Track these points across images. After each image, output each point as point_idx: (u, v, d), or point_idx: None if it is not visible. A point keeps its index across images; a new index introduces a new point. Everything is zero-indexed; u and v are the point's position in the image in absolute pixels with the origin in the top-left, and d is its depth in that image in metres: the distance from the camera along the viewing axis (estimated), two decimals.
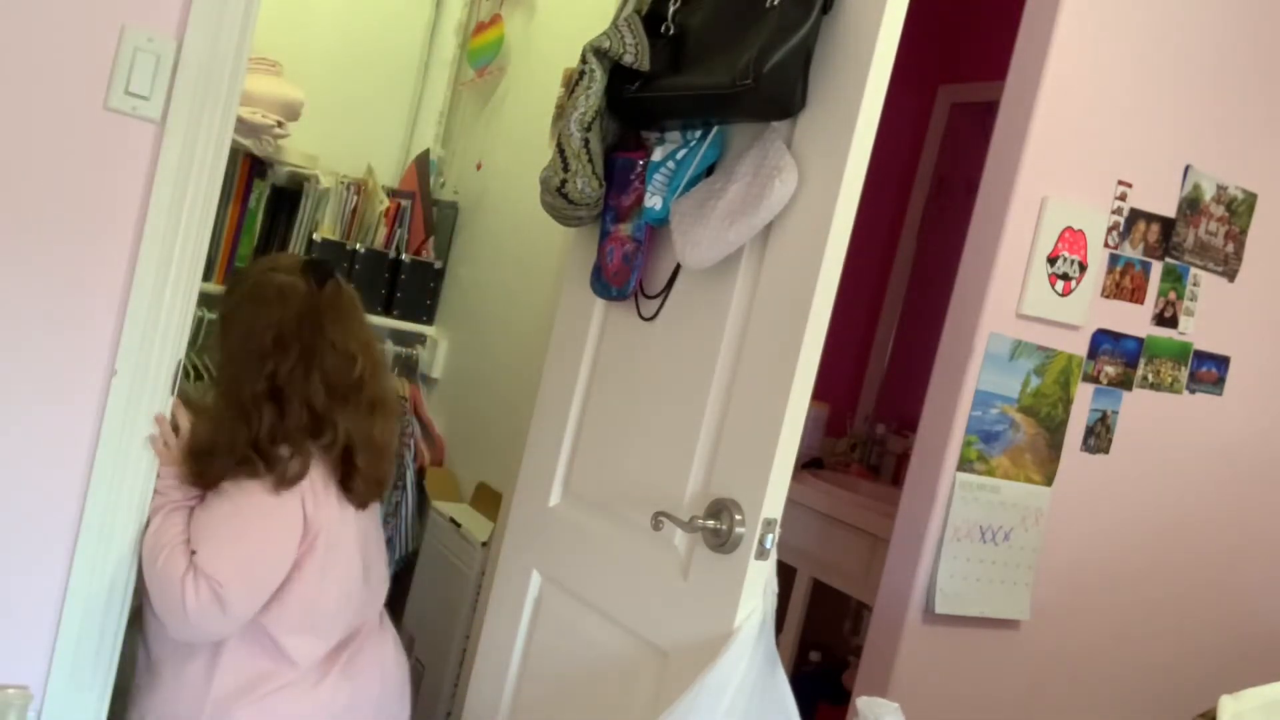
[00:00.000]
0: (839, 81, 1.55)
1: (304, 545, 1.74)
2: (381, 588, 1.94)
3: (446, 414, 3.10)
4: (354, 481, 1.80)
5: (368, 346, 1.87)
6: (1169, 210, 2.32)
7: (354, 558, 1.83)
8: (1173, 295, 2.36)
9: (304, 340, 1.78)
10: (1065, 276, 2.19)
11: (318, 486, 1.75)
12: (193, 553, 1.66)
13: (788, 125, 1.62)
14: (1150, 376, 2.37)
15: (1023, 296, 2.15)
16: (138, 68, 1.52)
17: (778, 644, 1.58)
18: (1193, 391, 2.45)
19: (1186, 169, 2.32)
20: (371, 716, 1.85)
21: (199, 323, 2.68)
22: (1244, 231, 2.45)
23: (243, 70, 1.60)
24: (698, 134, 1.75)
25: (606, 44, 1.75)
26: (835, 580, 2.86)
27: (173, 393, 1.64)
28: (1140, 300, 2.32)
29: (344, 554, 1.80)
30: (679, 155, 1.75)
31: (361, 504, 1.84)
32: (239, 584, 1.67)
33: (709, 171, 1.74)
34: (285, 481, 1.72)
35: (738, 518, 1.54)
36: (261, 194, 2.91)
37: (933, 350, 2.22)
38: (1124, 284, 2.28)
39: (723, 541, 1.55)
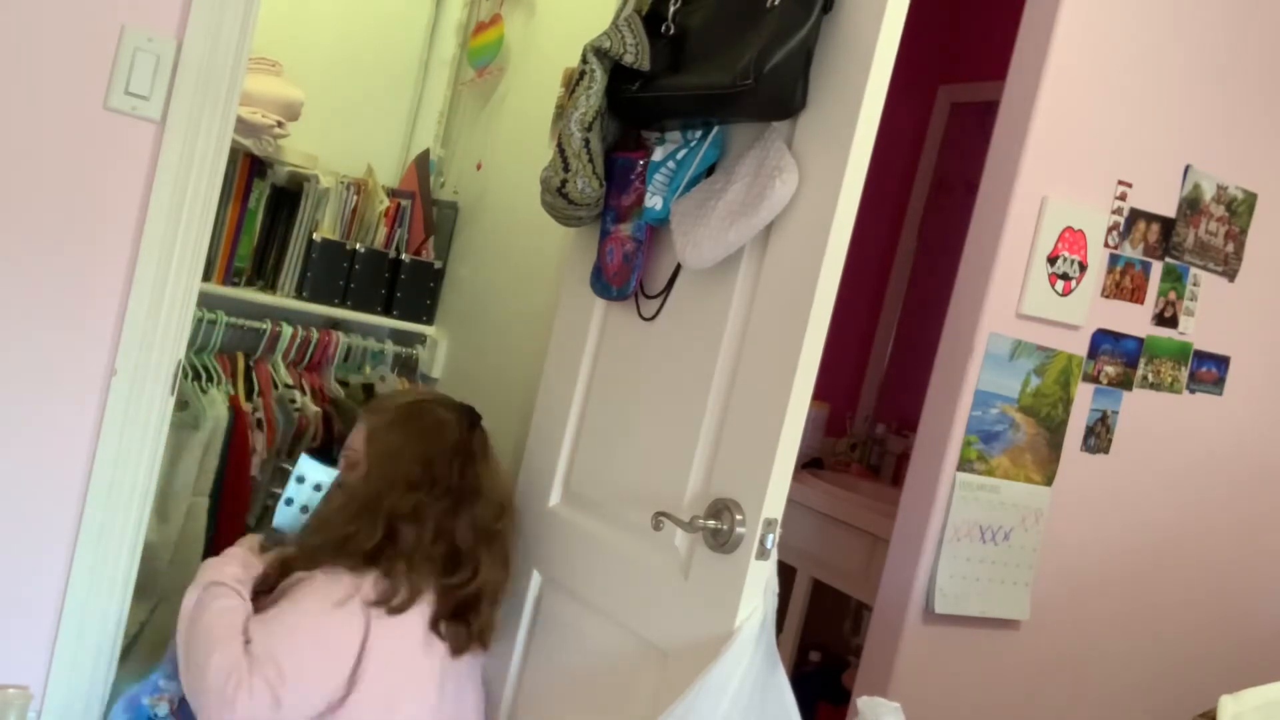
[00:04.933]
0: (839, 81, 1.55)
1: (356, 666, 1.67)
2: None
3: None
4: (470, 626, 1.77)
5: (509, 497, 1.90)
6: (1169, 210, 2.32)
7: (427, 698, 1.74)
8: (1173, 295, 2.36)
9: (455, 479, 1.81)
10: (1065, 276, 2.19)
11: (400, 618, 1.71)
12: (248, 645, 1.64)
13: (788, 125, 1.62)
14: (1150, 376, 2.37)
15: (1023, 296, 2.15)
16: (137, 67, 1.52)
17: (778, 644, 1.58)
18: (1193, 391, 2.45)
19: (1186, 169, 2.32)
20: None
21: (198, 323, 2.68)
22: (1244, 231, 2.45)
23: (243, 70, 1.61)
24: (698, 134, 1.75)
25: (607, 44, 1.75)
26: (835, 580, 2.86)
27: (172, 393, 1.64)
28: (1140, 300, 2.32)
29: (415, 691, 1.73)
30: (679, 155, 1.75)
31: (459, 650, 1.78)
32: (299, 685, 1.62)
33: (709, 171, 1.74)
34: (391, 608, 1.69)
35: (738, 518, 1.54)
36: (261, 194, 2.90)
37: (933, 350, 2.22)
38: (1124, 284, 2.29)
39: (723, 541, 1.55)
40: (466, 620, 1.77)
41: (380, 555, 1.72)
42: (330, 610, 1.67)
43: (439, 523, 1.76)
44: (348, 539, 1.72)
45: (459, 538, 1.77)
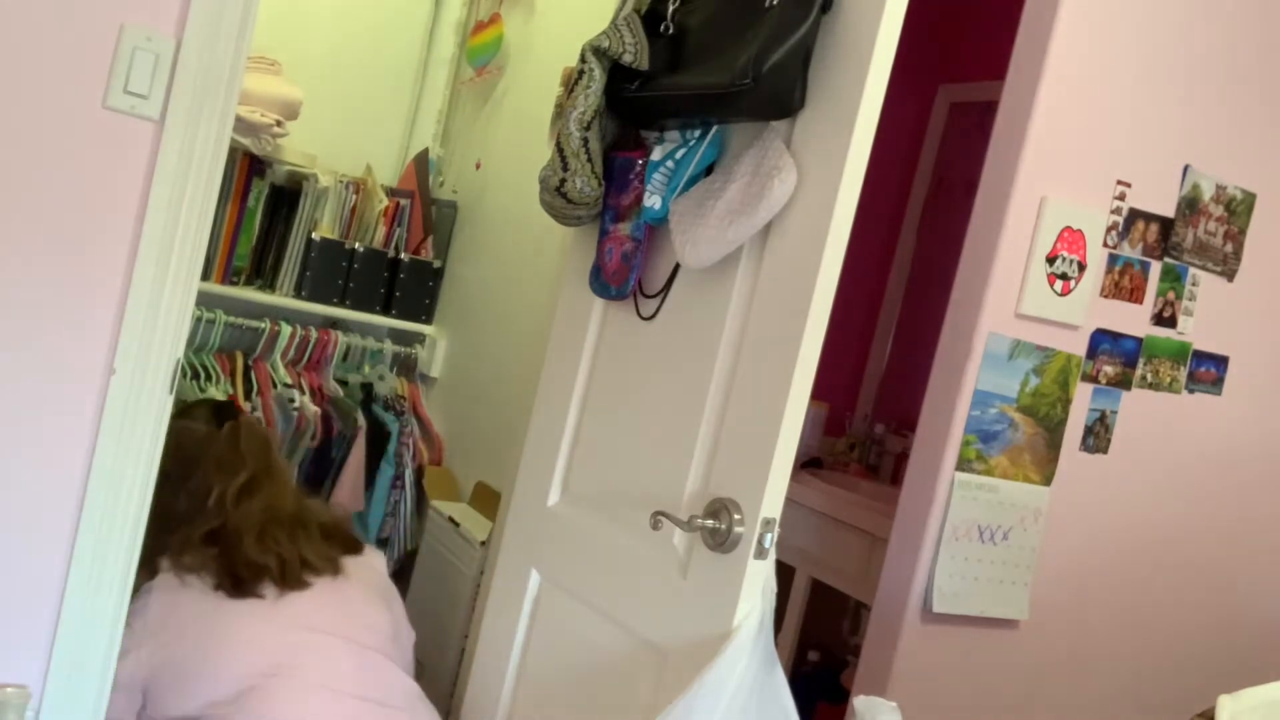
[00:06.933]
0: (838, 81, 1.55)
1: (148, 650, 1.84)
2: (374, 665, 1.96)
3: (445, 413, 3.10)
4: (235, 569, 1.92)
5: (234, 474, 2.01)
6: (1168, 210, 2.32)
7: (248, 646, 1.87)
8: (1171, 295, 2.36)
9: (180, 474, 1.93)
10: (1064, 276, 2.19)
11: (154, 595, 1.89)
12: None
13: (787, 125, 1.62)
14: (1149, 376, 2.37)
15: (1021, 296, 2.15)
16: (136, 66, 1.51)
17: (776, 643, 1.58)
18: (1191, 391, 2.45)
19: (1185, 168, 2.32)
20: None
21: (197, 322, 2.68)
22: (1243, 231, 2.45)
23: (242, 69, 1.60)
24: (697, 133, 1.75)
25: (606, 43, 1.75)
26: (834, 580, 2.86)
27: (171, 392, 1.64)
28: (1139, 300, 2.32)
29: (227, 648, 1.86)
30: (678, 155, 1.75)
31: (259, 593, 1.92)
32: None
33: (708, 171, 1.74)
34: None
35: (736, 517, 1.54)
36: (260, 193, 2.90)
37: (932, 350, 2.22)
38: (1123, 284, 2.29)
39: (721, 541, 1.55)
40: (232, 571, 1.91)
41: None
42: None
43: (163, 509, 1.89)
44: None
45: (176, 513, 1.92)
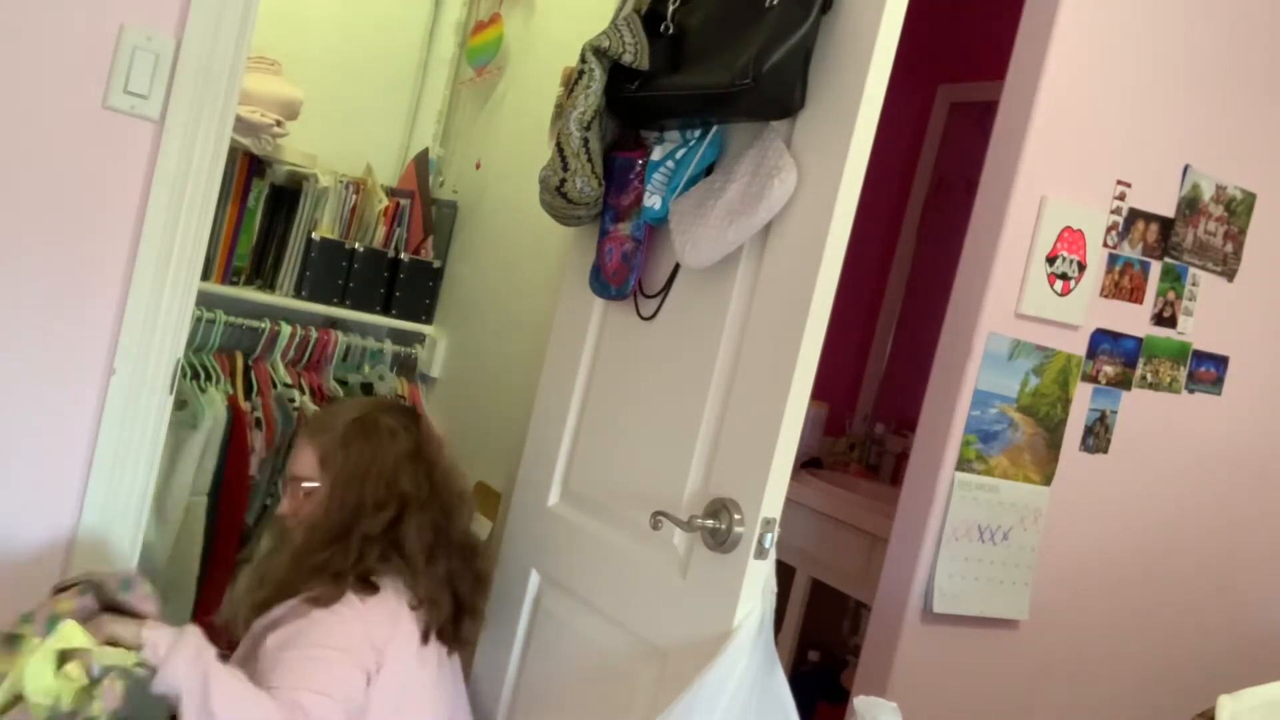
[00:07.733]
0: (838, 81, 1.55)
1: (373, 677, 1.65)
2: None
3: (445, 413, 3.10)
4: (461, 629, 1.78)
5: (465, 489, 1.88)
6: (1168, 210, 2.32)
7: (433, 705, 1.75)
8: (1171, 295, 2.37)
9: (417, 489, 1.79)
10: (1064, 276, 2.19)
11: (400, 623, 1.70)
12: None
13: (787, 125, 1.62)
14: (1149, 376, 2.37)
15: (1021, 296, 2.15)
16: (136, 66, 1.52)
17: (776, 643, 1.58)
18: (1191, 391, 2.45)
19: (1185, 169, 2.32)
20: None
21: (197, 322, 2.68)
22: (1243, 231, 2.45)
23: (242, 69, 1.61)
24: (697, 133, 1.75)
25: (606, 43, 1.75)
26: (834, 580, 2.86)
27: (171, 392, 1.64)
28: (1139, 300, 2.32)
29: (419, 698, 1.72)
30: (678, 154, 1.75)
31: (450, 652, 1.79)
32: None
33: (708, 171, 1.74)
34: (364, 592, 1.68)
35: (736, 517, 1.54)
36: (260, 193, 2.90)
37: (932, 350, 2.22)
38: (1123, 284, 2.29)
39: (721, 541, 1.55)
40: (459, 625, 1.78)
41: (369, 578, 1.70)
42: (344, 650, 1.63)
43: (416, 538, 1.75)
44: (322, 566, 1.69)
45: (436, 548, 1.77)
